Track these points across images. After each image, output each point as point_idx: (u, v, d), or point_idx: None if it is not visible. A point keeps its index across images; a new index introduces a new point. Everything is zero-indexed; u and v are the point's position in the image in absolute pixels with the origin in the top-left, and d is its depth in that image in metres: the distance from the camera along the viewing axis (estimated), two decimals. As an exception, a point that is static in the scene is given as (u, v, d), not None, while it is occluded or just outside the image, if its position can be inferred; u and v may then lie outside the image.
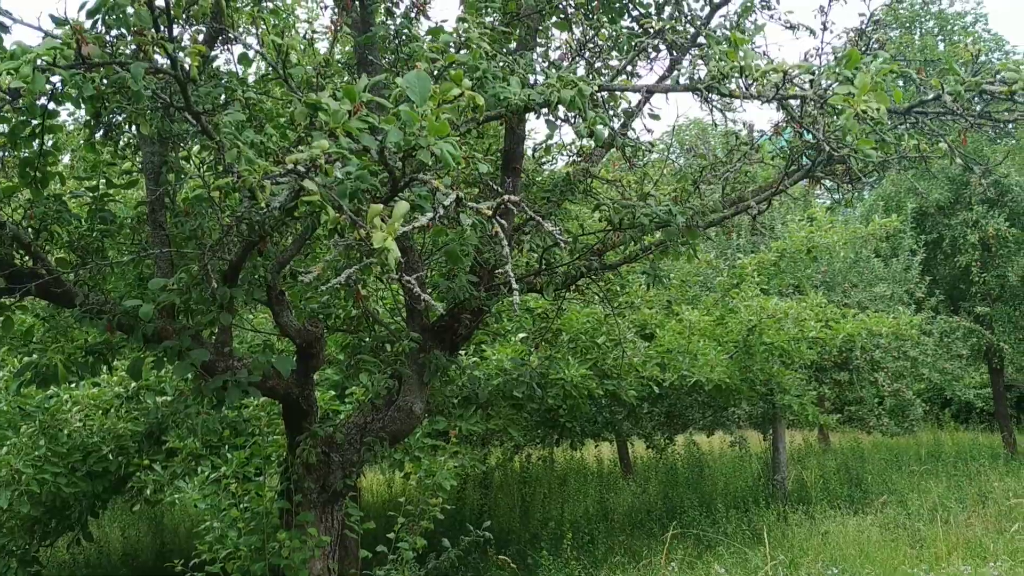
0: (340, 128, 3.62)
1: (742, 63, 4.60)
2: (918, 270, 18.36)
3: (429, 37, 5.41)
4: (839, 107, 4.29)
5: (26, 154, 6.28)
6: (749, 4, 7.68)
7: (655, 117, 7.40)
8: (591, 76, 5.84)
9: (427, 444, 9.24)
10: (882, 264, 17.87)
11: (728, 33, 6.99)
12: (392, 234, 3.37)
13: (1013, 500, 13.17)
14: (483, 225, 6.15)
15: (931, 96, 4.56)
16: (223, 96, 5.00)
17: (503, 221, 3.81)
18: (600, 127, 4.95)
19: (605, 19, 6.91)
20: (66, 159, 6.68)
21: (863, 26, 6.39)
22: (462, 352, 9.95)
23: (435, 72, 4.69)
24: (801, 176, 6.85)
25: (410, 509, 7.04)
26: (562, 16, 7.03)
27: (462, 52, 5.83)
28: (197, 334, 5.75)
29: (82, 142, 6.06)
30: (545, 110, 5.29)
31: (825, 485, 16.40)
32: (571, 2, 7.35)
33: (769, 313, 13.12)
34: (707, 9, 7.52)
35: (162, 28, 3.87)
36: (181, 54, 4.05)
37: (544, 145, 7.45)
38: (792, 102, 4.77)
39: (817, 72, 4.61)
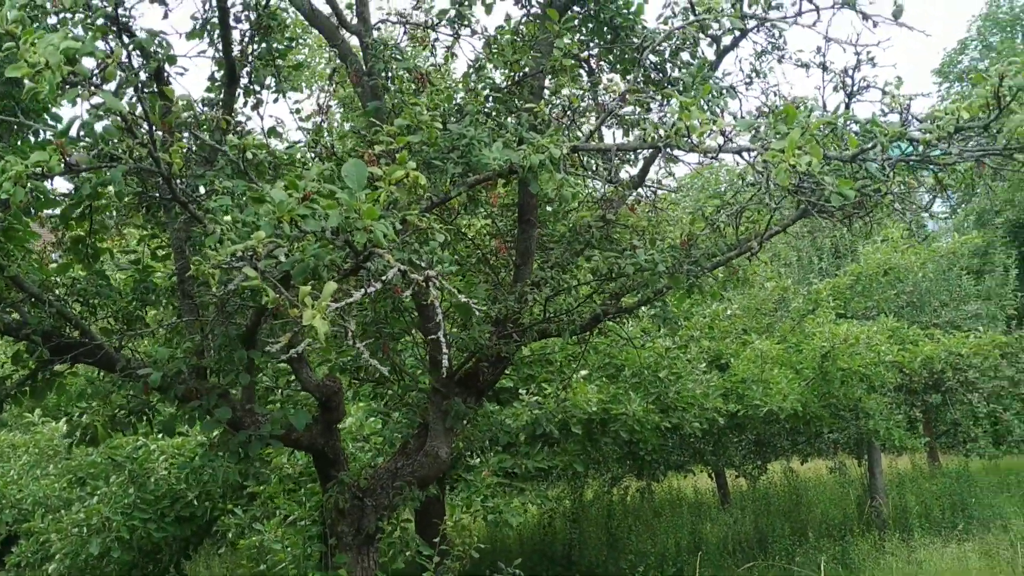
0: (285, 216, 4.05)
1: (688, 123, 4.86)
2: (1013, 285, 17.68)
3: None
4: (773, 162, 4.51)
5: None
6: (761, 48, 7.94)
7: (673, 160, 7.67)
8: (567, 137, 6.14)
9: (493, 483, 9.57)
10: (972, 281, 17.32)
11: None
12: (321, 312, 3.76)
13: None
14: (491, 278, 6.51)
15: (870, 144, 4.70)
16: (224, 181, 5.50)
17: (434, 291, 4.16)
18: (567, 189, 5.27)
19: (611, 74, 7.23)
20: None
21: (854, 66, 6.51)
22: (523, 392, 10.31)
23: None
24: (797, 216, 7.00)
25: (445, 549, 7.39)
26: (572, 68, 7.33)
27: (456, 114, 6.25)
28: (225, 393, 6.27)
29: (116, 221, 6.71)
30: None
31: (926, 511, 15.89)
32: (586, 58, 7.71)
33: (842, 338, 12.98)
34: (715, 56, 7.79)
35: (141, 133, 4.39)
36: (164, 154, 4.56)
37: (557, 196, 7.76)
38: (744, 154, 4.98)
39: (763, 127, 4.82)
